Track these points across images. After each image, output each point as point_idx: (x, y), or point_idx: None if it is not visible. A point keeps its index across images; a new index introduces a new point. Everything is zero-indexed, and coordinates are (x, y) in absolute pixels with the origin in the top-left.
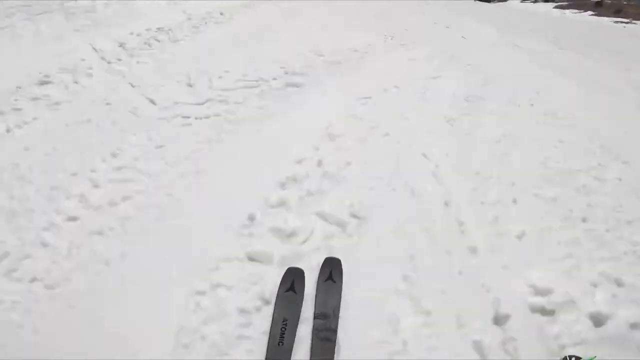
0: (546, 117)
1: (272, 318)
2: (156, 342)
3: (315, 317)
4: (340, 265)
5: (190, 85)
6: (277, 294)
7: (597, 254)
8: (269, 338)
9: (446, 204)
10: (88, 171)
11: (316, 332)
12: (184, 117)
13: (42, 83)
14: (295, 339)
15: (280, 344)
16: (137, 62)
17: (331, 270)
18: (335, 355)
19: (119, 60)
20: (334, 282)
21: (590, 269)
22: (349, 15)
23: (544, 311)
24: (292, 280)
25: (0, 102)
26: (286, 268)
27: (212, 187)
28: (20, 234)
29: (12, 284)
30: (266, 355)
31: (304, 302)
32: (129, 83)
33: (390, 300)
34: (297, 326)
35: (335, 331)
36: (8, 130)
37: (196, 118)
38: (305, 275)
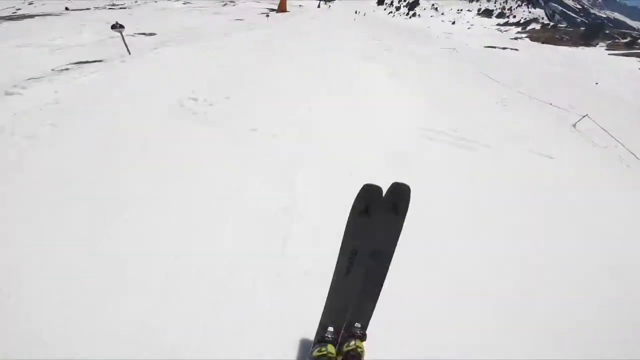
0: None
1: (341, 246)
2: None
3: (369, 256)
4: (409, 195)
5: None
6: (349, 216)
7: None
8: (336, 269)
9: None
10: None
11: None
12: None
13: None
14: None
15: (347, 274)
16: None
17: (396, 201)
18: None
19: None
20: (396, 215)
21: None
22: None
23: None
24: (366, 203)
25: None
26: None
27: None
28: None
29: None
30: (332, 285)
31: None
32: None
33: None
34: (367, 257)
35: (386, 272)
36: None
37: None
38: None
